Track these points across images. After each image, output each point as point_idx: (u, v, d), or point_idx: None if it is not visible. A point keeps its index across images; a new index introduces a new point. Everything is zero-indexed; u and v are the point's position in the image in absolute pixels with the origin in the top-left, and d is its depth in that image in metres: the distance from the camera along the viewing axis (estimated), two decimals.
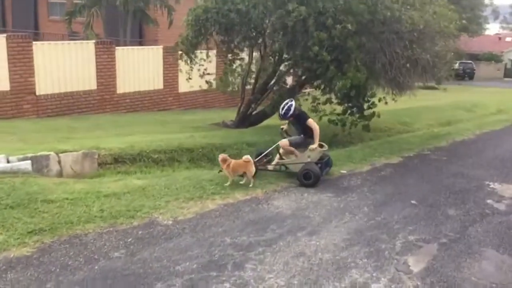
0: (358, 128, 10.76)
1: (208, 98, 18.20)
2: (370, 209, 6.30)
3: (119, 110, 15.44)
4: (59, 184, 6.32)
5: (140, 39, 22.66)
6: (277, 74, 11.62)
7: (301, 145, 7.46)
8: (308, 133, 7.45)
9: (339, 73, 9.59)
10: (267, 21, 10.27)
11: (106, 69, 14.94)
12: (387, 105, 10.82)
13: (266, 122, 12.80)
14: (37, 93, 13.58)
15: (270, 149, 7.81)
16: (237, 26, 9.94)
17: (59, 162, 7.49)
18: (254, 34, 10.47)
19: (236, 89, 12.80)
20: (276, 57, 11.21)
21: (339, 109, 10.73)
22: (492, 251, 5.13)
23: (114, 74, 15.15)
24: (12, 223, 5.06)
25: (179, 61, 12.30)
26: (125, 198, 6.07)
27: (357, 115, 10.46)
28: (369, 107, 10.40)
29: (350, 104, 10.34)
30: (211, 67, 13.08)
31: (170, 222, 5.50)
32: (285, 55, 10.77)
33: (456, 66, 41.35)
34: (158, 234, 5.13)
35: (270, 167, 7.58)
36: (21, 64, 13.12)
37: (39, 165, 7.22)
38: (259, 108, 12.49)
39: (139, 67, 15.94)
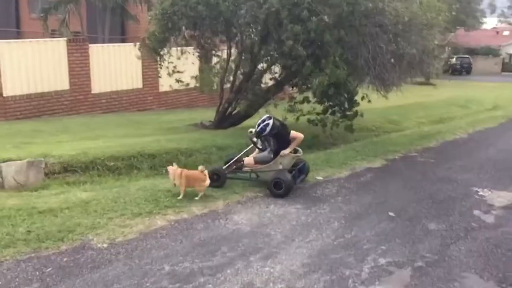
0: (342, 128, 10.03)
1: (192, 97, 17.38)
2: (340, 224, 5.57)
3: (94, 111, 14.65)
4: None
5: (122, 36, 21.83)
6: (254, 72, 10.83)
7: (267, 163, 6.72)
8: (280, 151, 6.68)
9: (316, 69, 8.82)
10: (240, 13, 9.50)
11: (79, 68, 14.14)
12: (370, 103, 10.04)
13: (247, 122, 12.04)
14: (4, 95, 12.81)
15: (240, 154, 7.12)
16: (206, 19, 9.16)
17: (0, 172, 6.74)
18: (224, 28, 9.68)
19: (215, 87, 12.04)
20: (253, 54, 10.42)
21: (319, 108, 9.99)
22: (475, 277, 4.38)
23: (88, 73, 14.35)
24: None
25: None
26: (61, 216, 5.35)
27: (338, 115, 9.72)
28: (351, 106, 9.67)
29: (330, 103, 9.60)
30: (189, 65, 12.22)
31: (105, 245, 4.76)
32: (261, 51, 9.97)
33: (453, 60, 40.69)
34: (85, 262, 4.40)
35: (240, 174, 6.88)
36: None
37: None
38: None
39: (116, 66, 15.12)
